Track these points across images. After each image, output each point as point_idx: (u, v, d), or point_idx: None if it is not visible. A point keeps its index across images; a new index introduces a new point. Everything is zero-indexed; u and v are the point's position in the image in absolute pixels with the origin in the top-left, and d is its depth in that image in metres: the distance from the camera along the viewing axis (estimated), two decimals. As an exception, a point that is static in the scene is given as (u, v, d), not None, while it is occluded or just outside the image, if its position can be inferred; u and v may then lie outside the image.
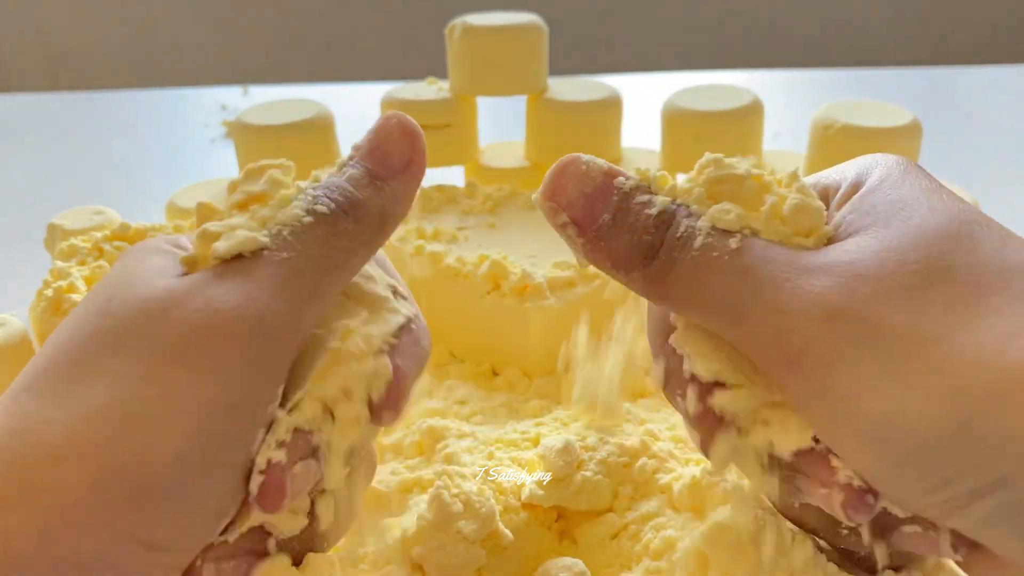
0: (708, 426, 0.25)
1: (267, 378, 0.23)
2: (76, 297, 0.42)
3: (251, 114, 0.57)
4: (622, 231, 0.24)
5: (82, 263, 0.46)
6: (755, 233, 0.24)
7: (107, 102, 0.96)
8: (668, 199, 0.25)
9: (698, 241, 0.23)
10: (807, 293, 0.22)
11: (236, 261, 0.24)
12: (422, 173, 0.27)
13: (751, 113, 0.56)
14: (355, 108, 0.83)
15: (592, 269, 0.28)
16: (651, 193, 0.25)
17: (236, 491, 0.23)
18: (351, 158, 0.27)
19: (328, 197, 0.25)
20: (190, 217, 0.51)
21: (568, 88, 0.59)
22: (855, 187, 0.25)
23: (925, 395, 0.20)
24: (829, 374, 0.21)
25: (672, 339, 0.26)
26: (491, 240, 0.49)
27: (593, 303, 0.45)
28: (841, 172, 0.26)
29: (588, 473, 0.34)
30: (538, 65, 0.57)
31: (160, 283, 0.24)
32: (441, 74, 0.61)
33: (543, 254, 0.47)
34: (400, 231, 0.49)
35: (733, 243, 0.23)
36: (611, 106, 0.58)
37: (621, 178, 0.25)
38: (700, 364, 0.25)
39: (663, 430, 0.37)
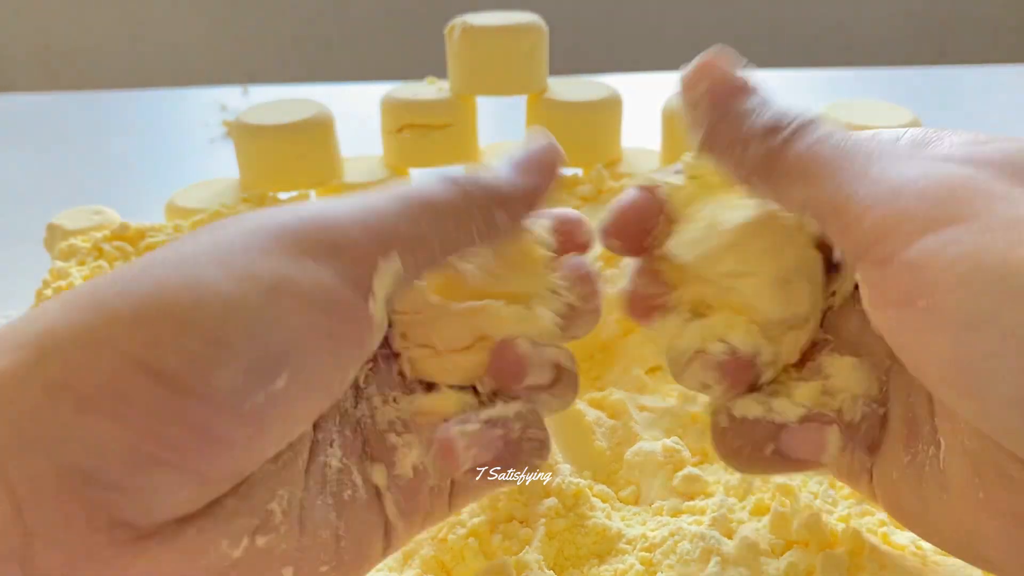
0: None
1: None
2: (75, 297, 0.42)
3: (251, 114, 0.56)
4: (754, 112, 0.25)
5: (82, 263, 0.46)
6: None
7: (107, 102, 0.96)
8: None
9: (825, 128, 0.24)
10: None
11: None
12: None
13: (751, 113, 0.56)
14: (355, 108, 0.83)
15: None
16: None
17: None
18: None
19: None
20: (190, 217, 0.51)
21: (568, 88, 0.59)
22: None
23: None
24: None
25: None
26: (491, 240, 0.49)
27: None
28: None
29: None
30: (538, 65, 0.57)
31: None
32: (441, 74, 0.61)
33: (543, 254, 0.47)
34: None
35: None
36: (611, 106, 0.58)
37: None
38: None
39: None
